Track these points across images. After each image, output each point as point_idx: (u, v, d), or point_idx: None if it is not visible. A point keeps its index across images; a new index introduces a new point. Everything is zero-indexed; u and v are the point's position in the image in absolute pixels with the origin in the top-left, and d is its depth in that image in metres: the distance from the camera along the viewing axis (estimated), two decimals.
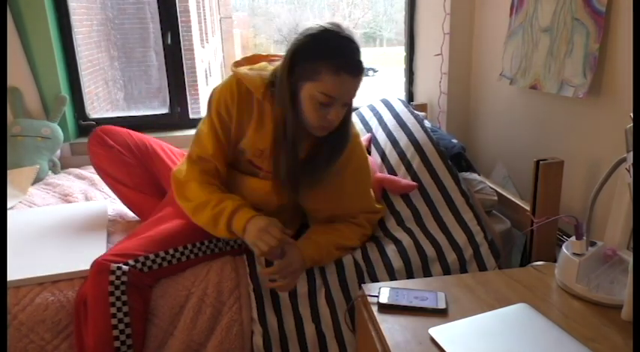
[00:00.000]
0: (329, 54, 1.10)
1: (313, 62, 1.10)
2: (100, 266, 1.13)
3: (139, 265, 1.17)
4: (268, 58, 1.32)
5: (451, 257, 1.33)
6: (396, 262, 1.31)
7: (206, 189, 1.24)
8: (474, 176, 1.63)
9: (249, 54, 1.35)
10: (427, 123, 1.71)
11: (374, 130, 1.70)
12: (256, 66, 1.27)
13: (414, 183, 1.45)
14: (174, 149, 1.60)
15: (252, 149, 1.27)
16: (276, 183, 1.27)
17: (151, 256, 1.20)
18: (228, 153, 1.29)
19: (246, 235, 1.16)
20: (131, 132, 1.54)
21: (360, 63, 1.13)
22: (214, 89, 1.27)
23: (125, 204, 1.55)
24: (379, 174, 1.50)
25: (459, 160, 1.62)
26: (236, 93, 1.22)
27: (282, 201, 1.31)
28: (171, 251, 1.24)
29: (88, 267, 1.17)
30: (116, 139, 1.48)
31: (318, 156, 1.25)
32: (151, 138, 1.58)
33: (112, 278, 1.12)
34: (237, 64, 1.29)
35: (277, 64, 1.23)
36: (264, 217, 1.17)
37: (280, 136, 1.21)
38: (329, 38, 1.12)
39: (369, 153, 1.60)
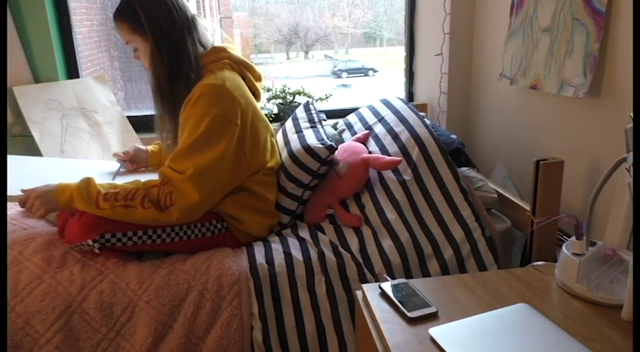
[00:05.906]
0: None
1: None
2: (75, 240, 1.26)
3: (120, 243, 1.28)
4: None
5: (448, 253, 1.35)
6: (394, 258, 1.33)
7: None
8: (474, 173, 1.63)
9: (248, 53, 1.38)
10: (427, 121, 1.71)
11: (372, 126, 1.71)
12: None
13: (399, 159, 1.46)
14: None
15: None
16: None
17: (129, 233, 1.28)
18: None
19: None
20: None
21: (116, 12, 1.36)
22: None
23: None
24: (365, 155, 1.51)
25: (457, 155, 1.62)
26: None
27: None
28: (149, 231, 1.30)
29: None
30: None
31: None
32: None
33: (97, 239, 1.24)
34: None
35: None
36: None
37: None
38: None
39: (367, 149, 1.60)
